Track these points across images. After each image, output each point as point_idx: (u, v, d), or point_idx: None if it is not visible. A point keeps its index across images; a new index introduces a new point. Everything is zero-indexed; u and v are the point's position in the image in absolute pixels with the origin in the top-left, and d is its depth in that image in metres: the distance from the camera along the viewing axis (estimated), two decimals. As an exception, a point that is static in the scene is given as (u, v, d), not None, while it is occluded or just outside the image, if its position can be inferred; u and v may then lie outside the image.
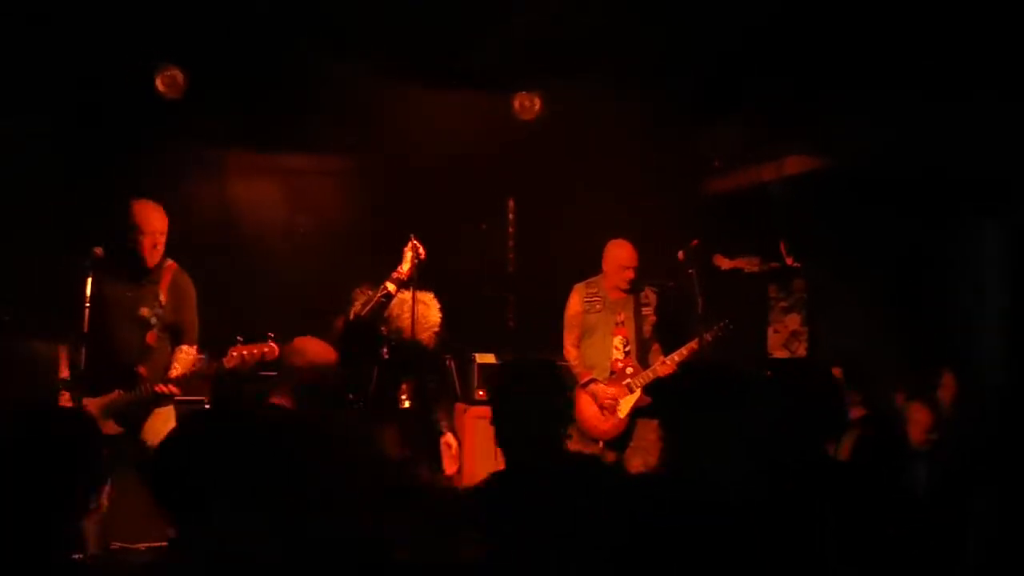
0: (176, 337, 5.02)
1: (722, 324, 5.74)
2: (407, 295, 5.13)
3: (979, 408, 5.31)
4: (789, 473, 2.72)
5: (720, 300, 6.06)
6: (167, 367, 4.93)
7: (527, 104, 7.02)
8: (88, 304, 4.60)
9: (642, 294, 6.07)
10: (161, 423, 4.89)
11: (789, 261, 7.46)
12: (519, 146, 6.96)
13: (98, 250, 4.73)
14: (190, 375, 4.91)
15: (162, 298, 4.93)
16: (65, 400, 4.62)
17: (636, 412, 5.90)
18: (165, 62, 6.25)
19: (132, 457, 4.79)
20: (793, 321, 7.55)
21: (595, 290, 6.09)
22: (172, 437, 2.37)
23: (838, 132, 6.10)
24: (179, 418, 4.83)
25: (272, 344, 4.83)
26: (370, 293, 5.20)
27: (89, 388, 4.64)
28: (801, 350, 7.46)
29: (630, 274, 6.00)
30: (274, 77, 6.19)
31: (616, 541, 2.29)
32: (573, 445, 3.23)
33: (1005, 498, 4.22)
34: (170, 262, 5.02)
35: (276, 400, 3.95)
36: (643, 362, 5.99)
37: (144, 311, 4.90)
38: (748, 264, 7.71)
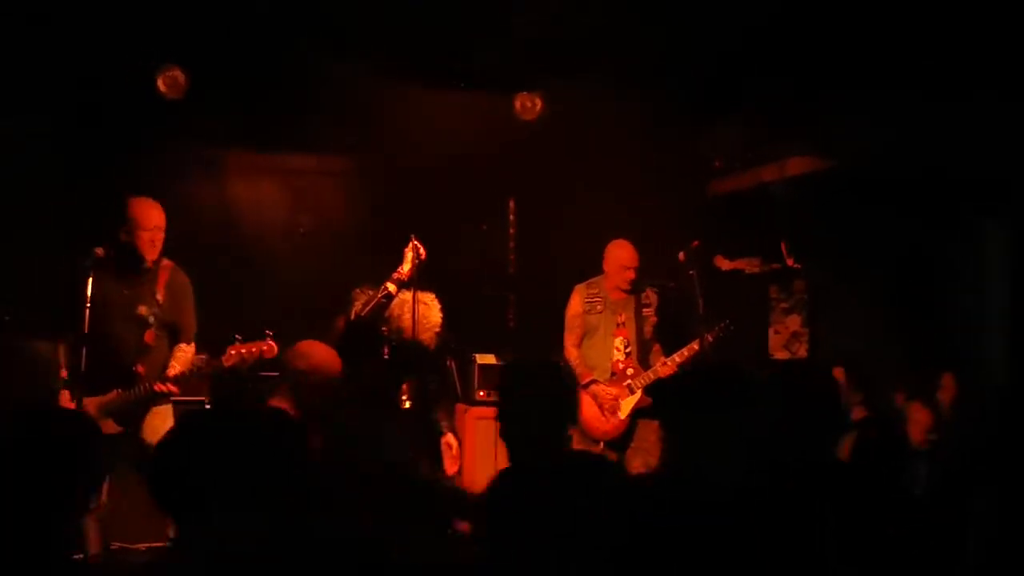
0: (174, 336, 5.03)
1: (723, 325, 5.74)
2: (408, 295, 5.13)
3: (979, 408, 5.31)
4: (789, 473, 2.72)
5: (721, 301, 6.06)
6: (165, 366, 4.93)
7: (528, 104, 7.01)
8: (89, 304, 4.60)
9: (643, 295, 6.07)
10: (159, 421, 4.89)
11: (790, 262, 7.46)
12: (520, 146, 6.96)
13: (99, 250, 4.74)
14: (188, 374, 4.91)
15: (159, 297, 4.94)
16: (65, 400, 4.62)
17: (637, 413, 5.90)
18: (166, 62, 6.25)
19: (131, 456, 4.80)
20: (794, 322, 7.56)
21: (596, 291, 6.09)
22: (171, 437, 2.37)
23: (838, 132, 6.10)
24: (178, 418, 4.83)
25: (270, 342, 4.84)
26: (370, 293, 5.20)
27: (88, 387, 4.64)
28: (802, 351, 7.46)
29: (631, 274, 6.01)
30: (274, 77, 6.18)
31: (617, 541, 2.30)
32: (574, 446, 3.24)
33: (1005, 498, 4.22)
34: (167, 261, 5.03)
35: (275, 403, 3.94)
36: (644, 363, 5.99)
37: (142, 310, 4.91)
38: (749, 265, 7.72)
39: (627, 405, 5.89)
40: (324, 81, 6.10)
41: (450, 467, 5.22)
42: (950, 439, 5.08)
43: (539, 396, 3.03)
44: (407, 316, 5.14)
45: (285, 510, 2.38)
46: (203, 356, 5.06)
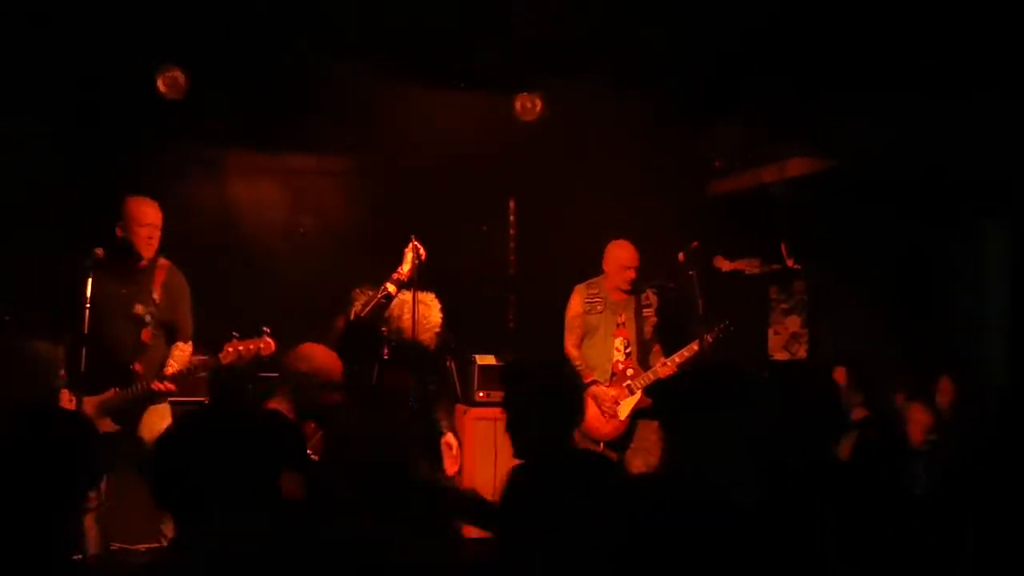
0: (171, 334, 5.04)
1: (723, 325, 5.74)
2: (408, 296, 5.12)
3: (979, 408, 5.31)
4: (789, 473, 2.72)
5: (721, 302, 6.06)
6: (163, 364, 4.94)
7: (528, 105, 7.01)
8: (88, 304, 4.61)
9: (643, 295, 6.07)
10: (157, 419, 4.92)
11: (790, 263, 7.46)
12: (520, 146, 6.96)
13: (99, 250, 4.75)
14: (186, 372, 4.91)
15: (156, 296, 4.95)
16: (64, 400, 4.62)
17: (637, 413, 5.90)
18: (166, 62, 6.25)
19: (130, 455, 4.81)
20: (794, 323, 7.55)
21: (596, 291, 6.09)
22: (168, 437, 2.37)
23: (838, 132, 6.10)
24: (176, 418, 4.83)
25: (267, 339, 4.84)
26: (370, 293, 5.20)
27: (86, 386, 4.64)
28: (802, 352, 7.46)
29: (631, 275, 6.00)
30: (274, 77, 6.18)
31: (616, 541, 2.29)
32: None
33: (1005, 498, 4.22)
34: (163, 260, 5.04)
35: (273, 404, 3.94)
36: (644, 363, 5.99)
37: (139, 308, 4.92)
38: (749, 266, 7.72)
39: (627, 405, 5.89)
40: (324, 81, 6.09)
41: (450, 467, 5.22)
42: (950, 439, 5.08)
43: (546, 394, 3.04)
44: (407, 316, 5.14)
45: (284, 510, 2.38)
46: (201, 356, 5.06)
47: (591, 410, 5.85)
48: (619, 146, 6.56)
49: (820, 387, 3.06)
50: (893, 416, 5.31)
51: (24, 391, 4.21)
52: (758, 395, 2.68)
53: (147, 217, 4.92)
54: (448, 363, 5.69)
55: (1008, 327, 6.05)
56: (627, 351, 6.00)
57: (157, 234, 4.96)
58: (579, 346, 6.03)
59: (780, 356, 7.57)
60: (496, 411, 6.41)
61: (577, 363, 5.92)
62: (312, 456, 4.20)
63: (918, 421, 5.14)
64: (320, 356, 4.04)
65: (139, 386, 4.84)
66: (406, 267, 5.13)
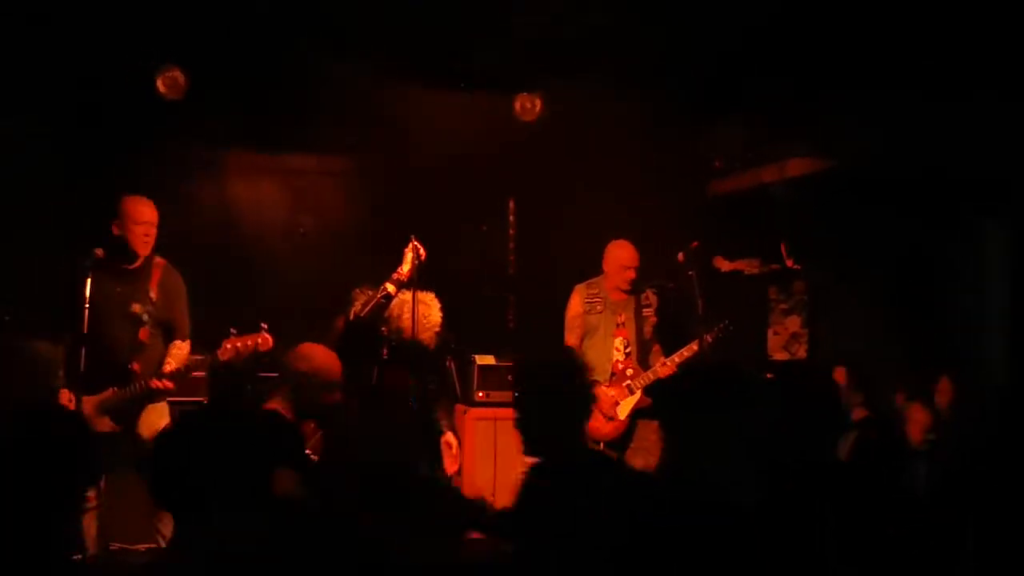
0: (168, 333, 5.04)
1: (722, 325, 5.73)
2: (408, 295, 5.13)
3: (979, 408, 5.31)
4: (789, 473, 2.72)
5: (720, 302, 6.06)
6: (161, 363, 4.95)
7: (528, 105, 7.02)
8: (88, 304, 4.61)
9: (643, 295, 6.07)
10: (155, 418, 4.93)
11: (789, 263, 7.46)
12: (520, 147, 6.96)
13: (99, 251, 4.76)
14: (184, 370, 4.91)
15: (153, 295, 4.96)
16: (64, 399, 4.62)
17: (637, 413, 5.89)
18: (166, 62, 6.25)
19: (128, 454, 4.81)
20: (793, 323, 7.55)
21: (596, 291, 6.09)
22: (169, 436, 2.37)
23: (838, 132, 6.10)
24: (173, 417, 4.83)
25: (265, 335, 4.84)
26: (370, 293, 5.20)
27: (84, 386, 4.65)
28: (801, 352, 7.46)
29: (631, 275, 6.00)
30: (274, 77, 6.18)
31: (617, 540, 2.29)
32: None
33: (1005, 498, 4.22)
34: (159, 259, 5.05)
35: (272, 405, 3.93)
36: (644, 363, 5.99)
37: (136, 308, 4.92)
38: (748, 266, 7.71)
39: (627, 405, 5.88)
40: (324, 81, 6.09)
41: (450, 466, 5.22)
42: (950, 439, 5.08)
43: (558, 391, 3.03)
44: (407, 316, 5.14)
45: (283, 510, 2.38)
46: (198, 356, 5.07)
47: (591, 410, 5.85)
48: (619, 146, 6.56)
49: (820, 387, 3.06)
50: (893, 416, 5.31)
51: (24, 391, 4.21)
52: (758, 395, 2.68)
53: (143, 215, 4.93)
54: (448, 363, 5.69)
55: (1008, 327, 6.05)
56: (627, 351, 6.00)
57: (153, 232, 4.97)
58: (579, 346, 6.03)
59: (780, 356, 7.57)
60: (496, 411, 6.43)
61: (577, 363, 5.92)
62: (312, 456, 4.20)
63: (917, 421, 5.14)
64: (320, 356, 4.04)
65: (137, 385, 4.84)
66: (406, 267, 5.13)
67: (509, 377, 6.49)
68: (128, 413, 4.88)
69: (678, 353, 5.86)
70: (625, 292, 6.04)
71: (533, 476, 3.06)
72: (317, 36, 5.82)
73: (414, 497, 2.69)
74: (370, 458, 3.18)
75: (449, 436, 5.32)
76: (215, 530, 2.20)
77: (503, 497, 6.10)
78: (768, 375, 6.01)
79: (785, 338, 7.59)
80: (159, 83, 6.25)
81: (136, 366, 4.87)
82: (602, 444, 5.86)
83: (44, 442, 2.40)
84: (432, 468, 5.05)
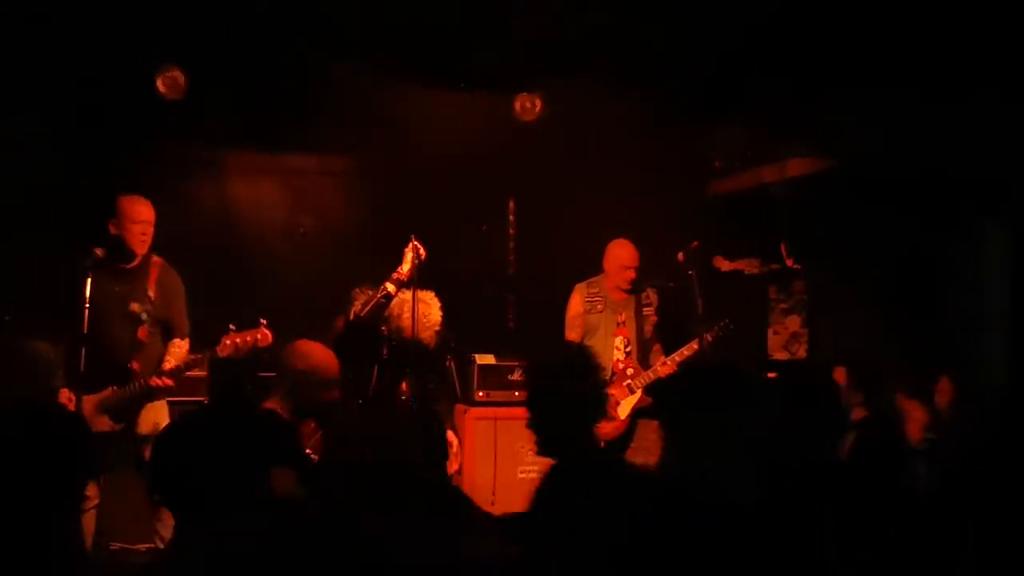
0: (167, 332, 5.06)
1: (722, 324, 5.74)
2: (408, 295, 5.13)
3: (979, 408, 5.31)
4: (789, 473, 2.72)
5: (720, 301, 6.06)
6: (160, 361, 4.96)
7: (528, 105, 7.01)
8: (88, 304, 4.62)
9: (643, 294, 6.07)
10: (154, 416, 4.95)
11: (789, 263, 7.46)
12: (519, 146, 6.96)
13: (99, 251, 4.77)
14: (184, 367, 4.92)
15: (151, 293, 4.98)
16: (63, 399, 4.62)
17: (637, 413, 5.90)
18: (166, 62, 6.25)
19: (128, 454, 4.82)
20: (793, 323, 7.55)
21: (596, 290, 6.09)
22: (168, 436, 2.37)
23: (838, 132, 6.10)
24: (175, 417, 4.84)
25: (264, 330, 4.85)
26: (370, 293, 5.20)
27: (84, 385, 4.66)
28: (801, 352, 7.46)
29: (631, 274, 6.01)
30: (274, 77, 6.18)
31: (617, 540, 2.29)
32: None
33: (1005, 498, 4.21)
34: (157, 258, 5.07)
35: (270, 405, 3.93)
36: (644, 363, 5.99)
37: (134, 307, 4.94)
38: (748, 266, 7.71)
39: (627, 405, 5.89)
40: (324, 81, 6.09)
41: (450, 466, 5.22)
42: (950, 439, 5.08)
43: (571, 390, 3.00)
44: (407, 315, 5.14)
45: (282, 509, 2.38)
46: (196, 355, 5.07)
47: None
48: (619, 146, 6.56)
49: (821, 387, 3.06)
50: (893, 416, 5.31)
51: (24, 391, 4.21)
52: (758, 394, 2.68)
53: (140, 215, 4.95)
54: (448, 362, 5.70)
55: (1008, 327, 6.05)
56: (627, 350, 6.00)
57: (150, 231, 4.98)
58: (579, 346, 6.03)
59: (780, 356, 7.57)
60: (496, 410, 6.43)
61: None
62: (312, 456, 4.20)
63: (915, 420, 5.14)
64: (317, 353, 4.03)
65: (137, 384, 4.86)
66: (406, 267, 5.14)
67: (510, 376, 6.55)
68: (128, 412, 4.90)
69: (678, 352, 5.87)
70: (625, 292, 6.04)
71: (549, 479, 3.03)
72: (317, 36, 5.82)
73: (414, 497, 2.68)
74: (370, 458, 3.18)
75: (449, 435, 5.32)
76: (215, 530, 2.20)
77: (503, 496, 6.13)
78: (770, 374, 6.01)
79: (785, 338, 7.59)
80: (159, 83, 6.25)
81: (135, 365, 4.89)
82: (603, 443, 5.86)
83: (44, 442, 2.40)
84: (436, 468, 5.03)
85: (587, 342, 6.01)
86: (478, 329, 6.85)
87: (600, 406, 3.14)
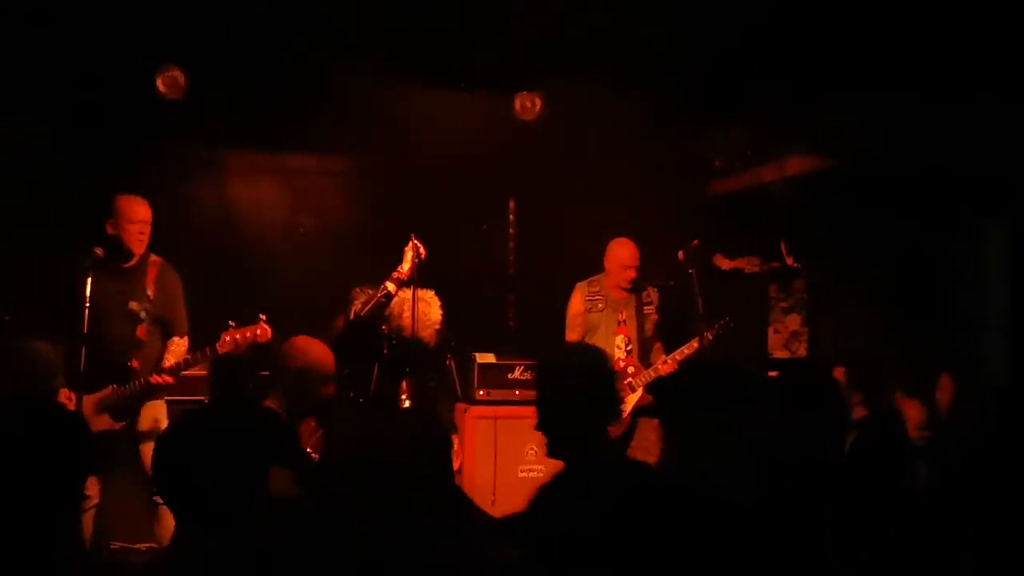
0: (166, 330, 5.08)
1: (723, 322, 5.74)
2: (408, 294, 5.13)
3: (979, 408, 5.31)
4: (789, 473, 2.72)
5: (720, 300, 6.06)
6: (159, 360, 4.97)
7: (528, 104, 7.01)
8: (88, 304, 4.62)
9: (644, 293, 6.08)
10: (153, 413, 4.99)
11: (789, 261, 7.46)
12: (519, 146, 6.96)
13: (98, 250, 4.78)
14: (184, 364, 4.93)
15: (150, 292, 4.99)
16: (63, 399, 4.63)
17: (637, 411, 5.90)
18: (166, 62, 6.25)
19: (128, 453, 4.83)
20: (793, 321, 7.55)
21: (597, 289, 6.10)
22: (170, 436, 2.37)
23: (838, 132, 6.10)
24: (177, 416, 4.83)
25: (264, 326, 4.86)
26: (370, 292, 5.20)
27: (84, 385, 4.66)
28: (801, 350, 7.46)
29: (632, 273, 6.01)
30: (274, 77, 6.18)
31: (616, 539, 2.29)
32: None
33: (1005, 498, 4.21)
34: (155, 257, 5.08)
35: (268, 403, 3.93)
36: (645, 361, 5.99)
37: (133, 305, 4.96)
38: (748, 264, 7.72)
39: (628, 404, 5.89)
40: (324, 81, 6.09)
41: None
42: (950, 438, 5.08)
43: (583, 390, 2.97)
44: (407, 314, 5.15)
45: (281, 509, 2.38)
46: (193, 354, 5.08)
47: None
48: (619, 146, 6.56)
49: (823, 386, 3.05)
50: (893, 416, 5.31)
51: (24, 391, 4.21)
52: (758, 393, 2.67)
53: (137, 214, 4.97)
54: (448, 361, 5.70)
55: (1008, 327, 6.05)
56: (628, 349, 6.01)
57: (147, 231, 5.00)
58: (579, 345, 6.04)
59: (780, 354, 7.58)
60: (496, 409, 6.43)
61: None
62: (312, 455, 4.20)
63: (911, 417, 5.14)
64: (312, 350, 4.03)
65: (137, 382, 4.87)
66: (406, 266, 5.14)
67: (510, 375, 6.55)
68: (128, 410, 4.91)
69: (679, 351, 5.87)
70: (626, 290, 6.05)
71: (554, 482, 3.00)
72: (317, 36, 5.82)
73: (414, 497, 2.68)
74: (370, 458, 3.17)
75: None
76: (216, 530, 2.20)
77: (504, 495, 6.13)
78: (771, 373, 6.01)
79: (785, 336, 7.59)
80: (159, 83, 6.25)
81: (135, 363, 4.91)
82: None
83: (44, 441, 2.40)
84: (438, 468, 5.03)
85: (588, 341, 6.02)
86: (478, 328, 6.85)
87: (612, 406, 3.09)
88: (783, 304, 7.63)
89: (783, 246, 7.44)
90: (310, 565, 2.44)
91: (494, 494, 6.18)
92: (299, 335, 4.15)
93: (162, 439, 2.37)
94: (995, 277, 6.16)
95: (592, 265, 6.20)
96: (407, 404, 5.25)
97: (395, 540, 2.53)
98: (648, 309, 6.07)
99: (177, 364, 4.92)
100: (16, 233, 5.83)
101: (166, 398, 5.10)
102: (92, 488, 4.81)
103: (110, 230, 4.93)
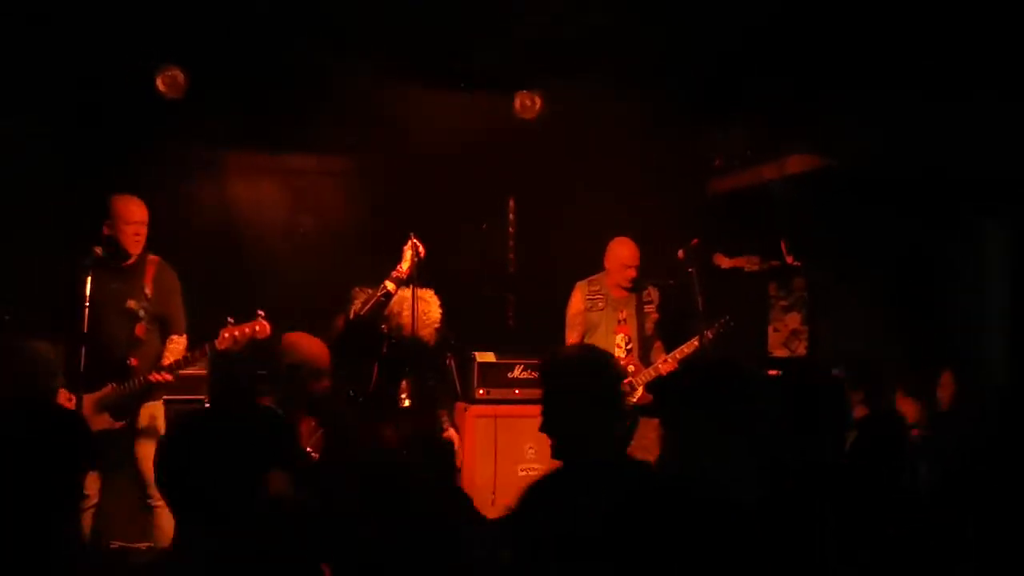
0: (165, 329, 5.08)
1: (723, 321, 5.75)
2: (407, 293, 5.13)
3: (979, 408, 5.32)
4: (789, 472, 2.72)
5: (720, 299, 6.07)
6: (158, 358, 4.97)
7: (528, 103, 7.01)
8: (88, 303, 4.63)
9: (644, 292, 6.08)
10: (151, 410, 5.00)
11: (789, 259, 7.46)
12: (519, 146, 6.96)
13: (98, 250, 4.79)
14: (183, 361, 4.93)
15: (147, 291, 5.00)
16: (63, 399, 4.63)
17: (638, 410, 5.89)
18: (165, 62, 6.25)
19: (128, 451, 4.83)
20: (793, 320, 7.56)
21: (597, 288, 6.10)
22: (172, 438, 2.37)
23: (838, 132, 6.10)
24: (179, 417, 4.84)
25: (262, 322, 4.86)
26: (370, 292, 5.20)
27: (84, 384, 4.67)
28: (801, 349, 7.46)
29: (632, 273, 6.01)
30: (274, 77, 6.18)
31: (615, 539, 2.29)
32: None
33: (1005, 498, 4.22)
34: (153, 256, 5.08)
35: (265, 401, 3.94)
36: (645, 360, 6.00)
37: (131, 304, 4.96)
38: (748, 262, 7.72)
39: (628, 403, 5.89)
40: (324, 81, 6.09)
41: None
42: (950, 439, 5.09)
43: (590, 391, 2.96)
44: (406, 313, 5.14)
45: (281, 510, 2.38)
46: (196, 351, 5.08)
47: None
48: (619, 146, 6.56)
49: (823, 386, 3.05)
50: (893, 415, 5.32)
51: (24, 391, 4.22)
52: (758, 392, 2.67)
53: (133, 215, 4.97)
54: (448, 361, 5.70)
55: (1008, 327, 6.06)
56: (628, 348, 6.01)
57: (143, 231, 5.01)
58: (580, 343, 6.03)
59: (780, 353, 7.58)
60: (496, 408, 6.44)
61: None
62: (312, 455, 4.20)
63: (910, 416, 5.15)
64: (304, 346, 4.03)
65: (136, 380, 4.87)
66: (405, 265, 5.14)
67: (510, 374, 6.56)
68: (128, 409, 4.92)
69: (679, 349, 5.87)
70: (626, 289, 6.05)
71: (546, 480, 2.98)
72: (317, 36, 5.81)
73: (414, 497, 2.68)
74: (370, 458, 3.18)
75: (451, 433, 5.34)
76: (217, 530, 2.20)
77: (504, 494, 6.13)
78: (771, 372, 6.01)
79: (785, 335, 7.59)
80: (159, 82, 6.25)
81: (134, 361, 4.91)
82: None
83: (43, 441, 2.40)
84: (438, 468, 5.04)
85: (588, 340, 6.02)
86: (478, 327, 6.85)
87: (618, 408, 3.07)
88: (783, 303, 7.64)
89: (783, 245, 7.45)
90: (310, 565, 2.44)
91: (494, 493, 6.18)
92: (292, 331, 4.15)
93: (165, 439, 2.38)
94: (995, 277, 6.16)
95: (592, 264, 6.20)
96: (407, 403, 5.24)
97: (395, 540, 2.53)
98: (648, 308, 6.08)
99: (176, 362, 4.93)
100: (16, 233, 5.84)
101: (165, 397, 5.11)
102: (91, 487, 4.81)
103: (106, 231, 4.94)
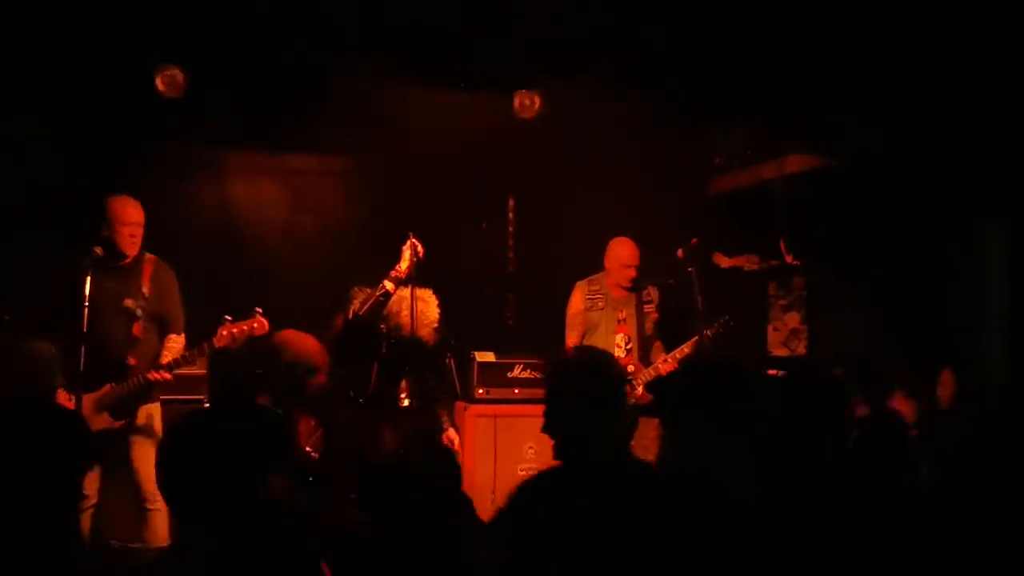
0: (163, 328, 5.09)
1: (722, 320, 5.75)
2: (406, 292, 5.13)
3: (979, 408, 5.31)
4: (789, 472, 2.72)
5: (720, 298, 6.07)
6: (156, 357, 4.98)
7: (527, 103, 7.01)
8: (87, 303, 4.63)
9: (644, 292, 6.08)
10: (148, 409, 5.01)
11: (789, 259, 7.46)
12: (519, 146, 6.96)
13: (98, 249, 4.80)
14: (182, 360, 4.93)
15: (145, 290, 5.01)
16: (63, 399, 4.63)
17: (637, 410, 5.89)
18: (165, 61, 6.25)
19: (128, 451, 4.83)
20: (793, 319, 7.55)
21: (597, 287, 6.10)
22: (173, 438, 2.37)
23: (838, 132, 6.10)
24: (180, 418, 4.84)
25: (260, 319, 4.87)
26: (369, 291, 5.20)
27: (83, 384, 4.67)
28: (801, 348, 7.46)
29: (632, 272, 6.02)
30: (274, 77, 6.18)
31: (615, 538, 2.29)
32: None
33: (1005, 498, 4.22)
34: (150, 255, 5.09)
35: (261, 400, 3.93)
36: (645, 360, 6.00)
37: (129, 303, 4.97)
38: (748, 262, 7.72)
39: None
40: (324, 81, 6.09)
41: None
42: (950, 438, 5.08)
43: (593, 392, 2.96)
44: (405, 313, 5.14)
45: (280, 510, 2.38)
46: (194, 350, 5.09)
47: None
48: (619, 146, 6.56)
49: (824, 385, 3.05)
50: (894, 415, 5.31)
51: (24, 391, 4.22)
52: (758, 391, 2.67)
53: (129, 216, 4.98)
54: (448, 360, 5.70)
55: (1008, 327, 6.05)
56: (628, 347, 6.01)
57: (140, 232, 5.02)
58: (580, 343, 6.03)
59: (779, 352, 7.58)
60: (496, 407, 6.44)
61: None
62: (312, 454, 4.20)
63: (909, 416, 5.15)
64: (298, 342, 4.02)
65: (135, 380, 4.88)
66: (404, 264, 5.14)
67: (509, 374, 6.56)
68: (127, 408, 4.93)
69: (679, 349, 5.88)
70: (626, 289, 6.05)
71: (539, 479, 2.98)
72: (317, 36, 5.81)
73: (414, 497, 2.68)
74: (369, 457, 3.18)
75: (451, 432, 5.34)
76: (218, 530, 2.20)
77: (504, 493, 6.13)
78: (770, 371, 6.02)
79: (785, 334, 7.59)
80: (158, 81, 6.25)
81: (132, 360, 4.92)
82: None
83: (43, 441, 2.40)
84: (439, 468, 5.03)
85: (588, 340, 6.03)
86: (478, 327, 6.85)
87: (620, 409, 3.07)
88: (782, 302, 7.63)
89: (782, 244, 7.44)
90: (310, 565, 2.44)
91: (494, 492, 6.18)
92: (286, 329, 4.15)
93: (166, 440, 2.38)
94: (995, 277, 6.16)
95: (592, 264, 6.20)
96: (407, 403, 5.24)
97: (395, 540, 2.53)
98: (648, 308, 6.08)
99: (175, 360, 4.93)
100: (16, 233, 5.84)
101: (164, 397, 5.11)
102: (91, 487, 4.81)
103: (103, 233, 4.94)
